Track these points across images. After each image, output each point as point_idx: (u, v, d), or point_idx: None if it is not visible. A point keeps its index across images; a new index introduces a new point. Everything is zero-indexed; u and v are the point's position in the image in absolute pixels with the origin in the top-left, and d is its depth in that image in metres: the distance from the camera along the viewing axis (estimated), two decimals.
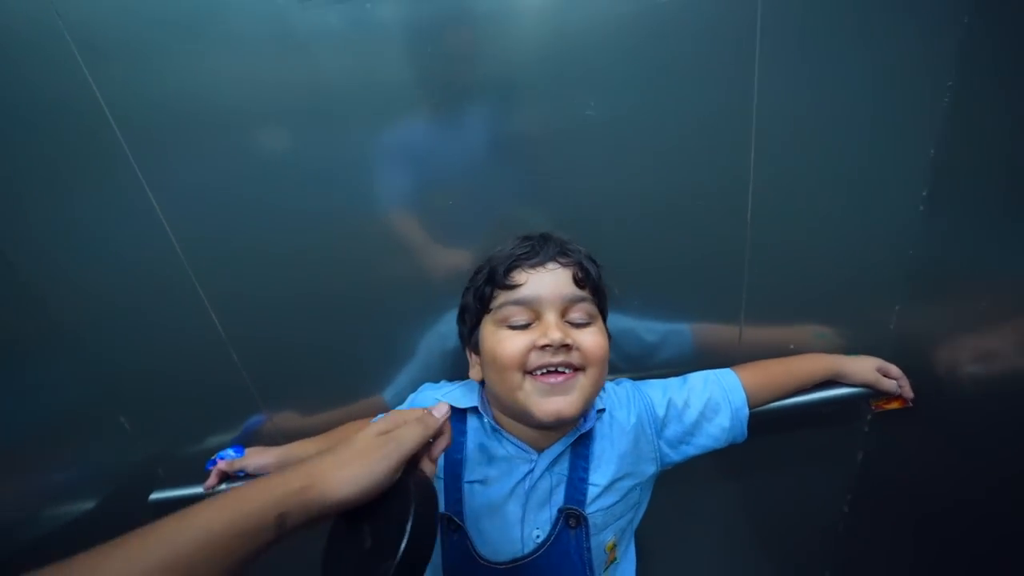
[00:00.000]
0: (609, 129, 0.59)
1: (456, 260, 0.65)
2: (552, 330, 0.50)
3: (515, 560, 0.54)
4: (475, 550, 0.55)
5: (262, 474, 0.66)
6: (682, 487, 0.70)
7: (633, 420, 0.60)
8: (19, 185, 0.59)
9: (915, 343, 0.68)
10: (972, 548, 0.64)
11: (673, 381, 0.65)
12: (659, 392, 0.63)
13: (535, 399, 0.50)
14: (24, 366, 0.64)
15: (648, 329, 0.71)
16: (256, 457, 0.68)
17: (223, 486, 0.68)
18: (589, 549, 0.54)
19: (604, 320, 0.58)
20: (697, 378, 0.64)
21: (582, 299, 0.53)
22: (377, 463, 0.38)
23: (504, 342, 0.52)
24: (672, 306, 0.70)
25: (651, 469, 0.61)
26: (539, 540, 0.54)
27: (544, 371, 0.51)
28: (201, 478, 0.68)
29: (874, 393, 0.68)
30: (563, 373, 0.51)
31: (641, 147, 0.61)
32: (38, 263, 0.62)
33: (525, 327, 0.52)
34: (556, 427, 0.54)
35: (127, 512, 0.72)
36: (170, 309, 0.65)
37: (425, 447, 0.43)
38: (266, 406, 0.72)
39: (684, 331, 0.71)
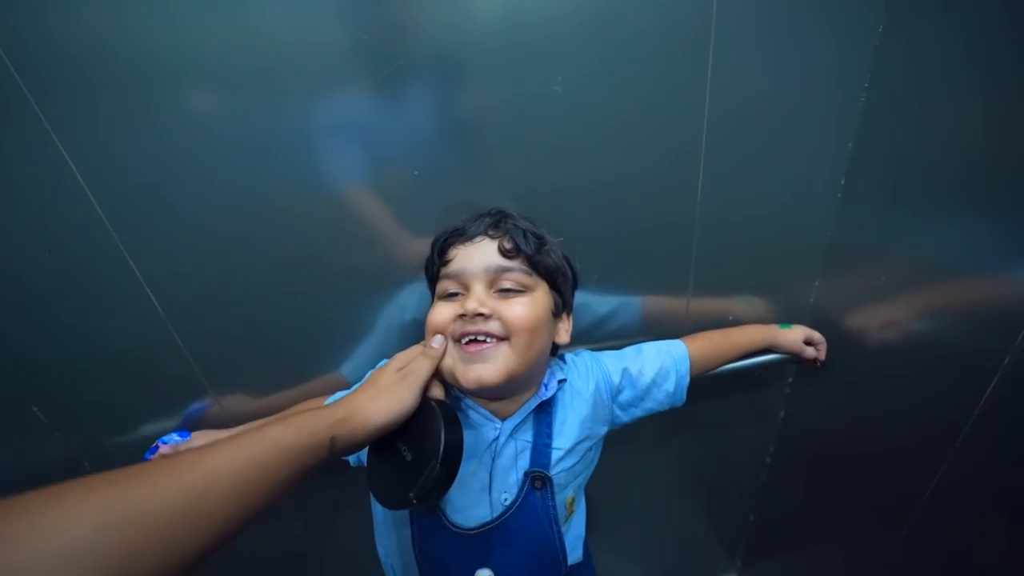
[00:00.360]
0: (570, 108, 0.60)
1: (411, 238, 0.64)
2: (469, 300, 0.52)
3: (485, 524, 0.56)
4: (446, 518, 0.56)
5: None
6: (623, 443, 0.74)
7: (592, 388, 0.63)
8: None
9: (831, 313, 0.78)
10: (875, 492, 0.74)
11: (628, 351, 0.69)
12: (615, 361, 0.67)
13: (460, 366, 0.52)
14: None
15: (601, 302, 0.74)
16: (203, 441, 0.63)
17: None
18: (554, 507, 0.57)
19: (562, 294, 0.60)
20: (651, 348, 0.69)
21: (508, 269, 0.54)
22: (403, 391, 0.46)
23: (434, 311, 0.55)
24: (627, 280, 0.74)
25: (603, 430, 0.65)
26: (507, 503, 0.57)
27: (467, 340, 0.52)
28: None
29: (796, 358, 0.78)
30: (484, 342, 0.52)
31: (606, 127, 0.62)
32: None
33: (456, 297, 0.55)
34: (483, 394, 0.56)
35: None
36: (93, 282, 0.58)
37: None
38: (213, 388, 0.67)
39: (634, 303, 0.76)
